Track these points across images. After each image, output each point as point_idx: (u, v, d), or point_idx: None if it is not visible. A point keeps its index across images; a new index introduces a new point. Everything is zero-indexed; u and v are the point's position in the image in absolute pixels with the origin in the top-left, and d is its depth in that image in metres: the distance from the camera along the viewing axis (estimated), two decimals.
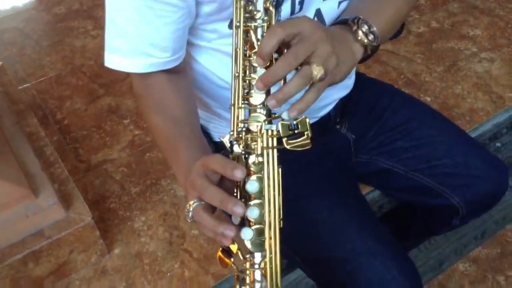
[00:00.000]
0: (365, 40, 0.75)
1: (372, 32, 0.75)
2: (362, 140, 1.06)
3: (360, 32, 0.75)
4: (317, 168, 0.99)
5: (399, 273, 0.86)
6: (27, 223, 1.07)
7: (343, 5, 0.86)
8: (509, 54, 1.75)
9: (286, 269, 1.29)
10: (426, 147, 1.02)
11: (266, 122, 0.61)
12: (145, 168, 1.41)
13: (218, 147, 1.03)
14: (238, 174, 0.58)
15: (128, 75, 1.72)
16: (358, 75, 1.10)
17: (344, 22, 0.77)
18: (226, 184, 0.63)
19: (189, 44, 0.85)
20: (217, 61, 0.87)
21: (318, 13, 0.86)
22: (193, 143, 0.77)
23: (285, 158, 1.01)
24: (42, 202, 1.08)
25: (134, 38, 0.77)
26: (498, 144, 1.63)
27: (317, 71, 0.60)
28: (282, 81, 0.61)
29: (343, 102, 1.05)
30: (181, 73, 0.86)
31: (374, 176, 1.10)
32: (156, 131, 0.81)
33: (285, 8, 0.79)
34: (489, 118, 1.52)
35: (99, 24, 1.98)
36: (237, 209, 0.57)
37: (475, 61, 1.74)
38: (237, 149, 0.62)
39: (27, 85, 1.70)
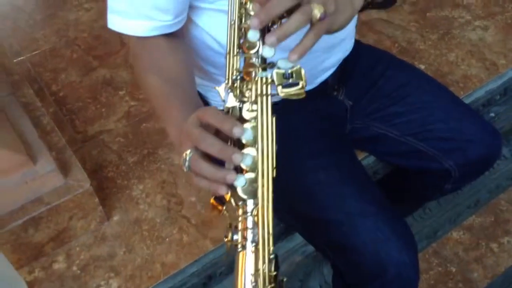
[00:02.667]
0: None
1: None
2: (358, 106, 1.07)
3: None
4: (314, 131, 1.00)
5: (393, 234, 0.88)
6: (26, 190, 1.08)
7: None
8: (503, 21, 1.76)
9: (283, 234, 1.31)
10: (420, 112, 1.04)
11: (261, 70, 0.61)
12: (142, 138, 1.42)
13: None
14: (237, 132, 0.58)
15: (122, 46, 1.72)
16: (355, 42, 1.10)
17: None
18: (219, 134, 0.63)
19: (190, 6, 0.85)
20: (218, 23, 0.86)
21: None
22: (187, 102, 0.77)
23: (282, 122, 1.02)
24: (40, 168, 1.09)
25: (137, 0, 0.77)
26: (492, 114, 1.65)
27: (317, 10, 0.59)
28: (275, 27, 0.61)
29: (341, 69, 1.05)
30: (180, 38, 0.86)
31: (368, 141, 1.11)
32: (151, 89, 0.81)
33: None
34: (482, 85, 1.53)
35: None
36: (236, 158, 0.58)
37: (469, 29, 1.74)
38: (231, 98, 0.62)
39: (22, 58, 1.69)
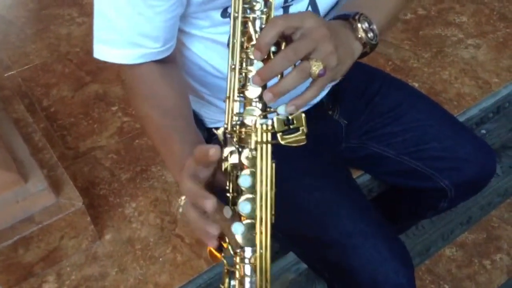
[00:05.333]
0: (365, 38, 0.74)
1: (372, 30, 0.75)
2: (353, 125, 1.07)
3: (360, 30, 0.74)
4: (310, 152, 1.00)
5: (390, 255, 0.88)
6: (17, 209, 1.05)
7: None
8: (495, 40, 1.78)
9: (277, 252, 1.29)
10: (415, 131, 1.04)
11: (261, 117, 0.60)
12: (135, 155, 1.40)
13: (211, 134, 1.03)
14: (208, 205, 0.57)
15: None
16: None
17: (345, 18, 0.77)
18: (219, 177, 0.63)
19: (181, 31, 0.84)
20: (209, 50, 0.86)
21: (313, 1, 0.85)
22: (186, 136, 0.76)
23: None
24: (32, 187, 1.07)
25: (124, 28, 0.75)
26: (483, 131, 1.66)
27: (316, 67, 0.60)
28: (279, 76, 0.61)
29: (335, 88, 1.05)
30: (173, 63, 0.85)
31: (364, 161, 1.11)
32: (148, 123, 0.80)
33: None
34: (476, 103, 1.54)
35: (85, 11, 1.95)
36: (227, 213, 0.60)
37: (462, 47, 1.75)
38: (230, 142, 0.62)
39: (12, 72, 1.67)
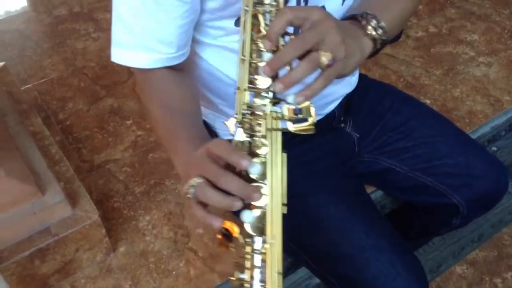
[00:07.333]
0: (375, 34, 0.76)
1: (381, 27, 0.77)
2: (365, 139, 1.08)
3: (369, 27, 0.76)
4: (323, 165, 1.01)
5: (405, 269, 0.88)
6: (34, 220, 1.07)
7: (348, 2, 0.87)
8: (506, 58, 1.78)
9: (289, 269, 1.30)
10: (427, 146, 1.05)
11: (272, 105, 0.61)
12: (149, 168, 1.42)
13: None
14: (244, 163, 0.57)
15: (130, 76, 1.73)
16: (361, 76, 1.12)
17: (353, 18, 0.78)
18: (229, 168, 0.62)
19: (195, 41, 0.87)
20: (223, 58, 0.88)
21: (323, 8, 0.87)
22: (193, 133, 0.77)
23: (291, 154, 1.02)
24: (49, 199, 1.08)
25: (140, 33, 0.78)
26: (494, 148, 1.65)
27: (325, 57, 0.61)
28: (288, 68, 0.62)
29: (347, 100, 1.07)
30: (185, 71, 0.87)
31: (376, 176, 1.12)
32: (156, 121, 0.82)
33: (291, 4, 0.80)
34: (487, 121, 1.55)
35: (100, 27, 1.98)
36: (257, 196, 0.58)
37: (473, 65, 1.76)
38: (240, 133, 0.62)
39: (28, 86, 1.70)
